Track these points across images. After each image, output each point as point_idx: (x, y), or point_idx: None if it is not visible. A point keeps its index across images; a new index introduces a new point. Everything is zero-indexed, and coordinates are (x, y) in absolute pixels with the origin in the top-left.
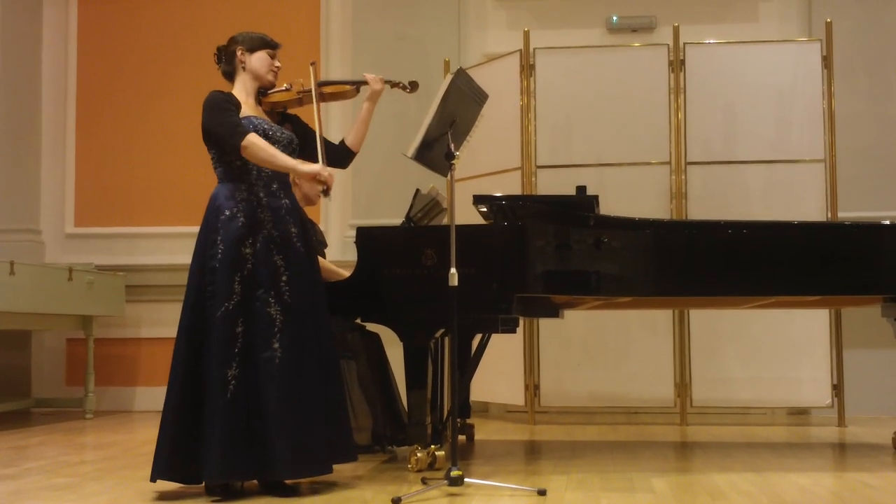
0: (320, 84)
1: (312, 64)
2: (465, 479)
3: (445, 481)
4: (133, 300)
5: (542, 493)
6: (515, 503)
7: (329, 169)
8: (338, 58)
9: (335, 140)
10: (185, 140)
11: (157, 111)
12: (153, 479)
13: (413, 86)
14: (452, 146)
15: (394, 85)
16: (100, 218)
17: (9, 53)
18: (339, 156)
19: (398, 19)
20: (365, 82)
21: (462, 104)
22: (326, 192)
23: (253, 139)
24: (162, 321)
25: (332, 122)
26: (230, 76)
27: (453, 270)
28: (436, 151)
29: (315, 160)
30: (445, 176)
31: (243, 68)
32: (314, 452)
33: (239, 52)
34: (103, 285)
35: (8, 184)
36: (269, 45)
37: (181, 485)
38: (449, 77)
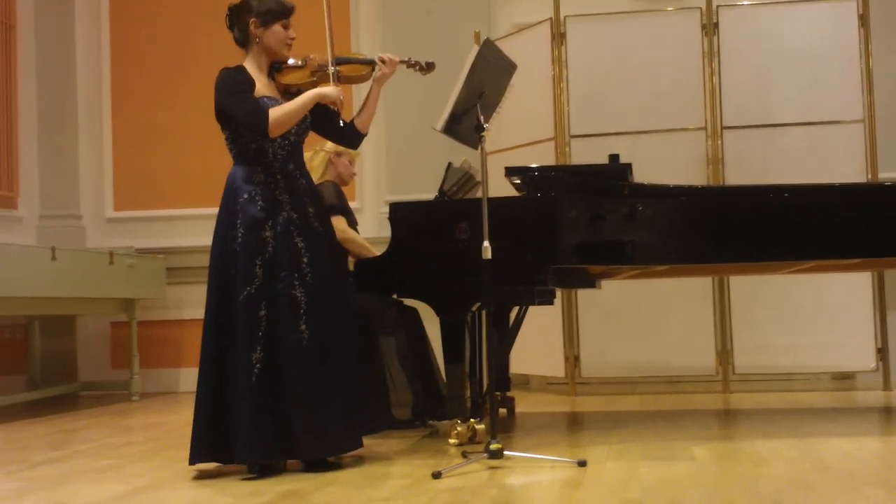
0: (338, 61)
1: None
2: (505, 452)
3: (485, 454)
4: (174, 282)
5: (582, 464)
6: (556, 475)
7: (338, 89)
8: (367, 33)
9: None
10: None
11: (191, 93)
12: (192, 462)
13: (429, 66)
14: (482, 118)
15: (410, 65)
16: (138, 201)
17: (43, 42)
18: (349, 137)
19: None
20: (380, 61)
21: (490, 75)
22: (338, 114)
23: (274, 117)
24: (203, 302)
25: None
26: (243, 45)
27: (486, 244)
28: (465, 124)
29: (336, 135)
30: (476, 148)
31: (257, 42)
32: (342, 429)
33: (252, 25)
34: (144, 268)
35: (48, 171)
36: (284, 13)
37: (219, 464)
38: (475, 48)
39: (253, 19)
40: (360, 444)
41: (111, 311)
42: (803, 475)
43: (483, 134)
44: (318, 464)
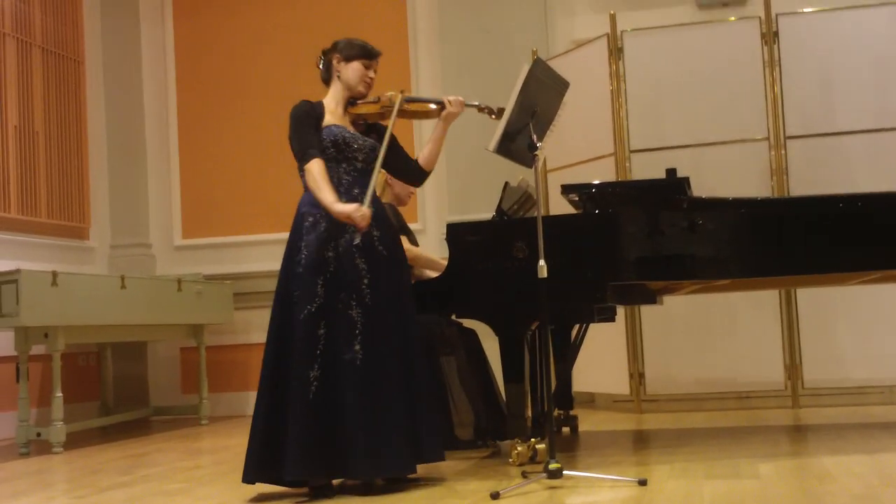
0: (407, 100)
1: (402, 92)
2: (565, 472)
3: (544, 474)
4: (242, 307)
5: (642, 483)
6: (615, 494)
7: (364, 210)
8: (426, 55)
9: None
10: (284, 147)
11: (255, 120)
12: (245, 481)
13: (500, 112)
14: (535, 137)
15: (480, 110)
16: (206, 229)
17: (110, 76)
18: (413, 174)
19: (483, 12)
20: (446, 103)
21: (542, 94)
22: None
23: (311, 167)
24: None
25: (422, 136)
26: (327, 82)
27: (542, 262)
28: (518, 143)
29: (399, 169)
30: (530, 167)
31: (338, 77)
32: (396, 451)
33: (335, 60)
34: (212, 294)
35: (118, 201)
36: (366, 54)
37: (278, 486)
38: (526, 67)
39: (336, 56)
40: (413, 470)
41: (180, 336)
42: (870, 491)
43: (536, 153)
44: (373, 486)
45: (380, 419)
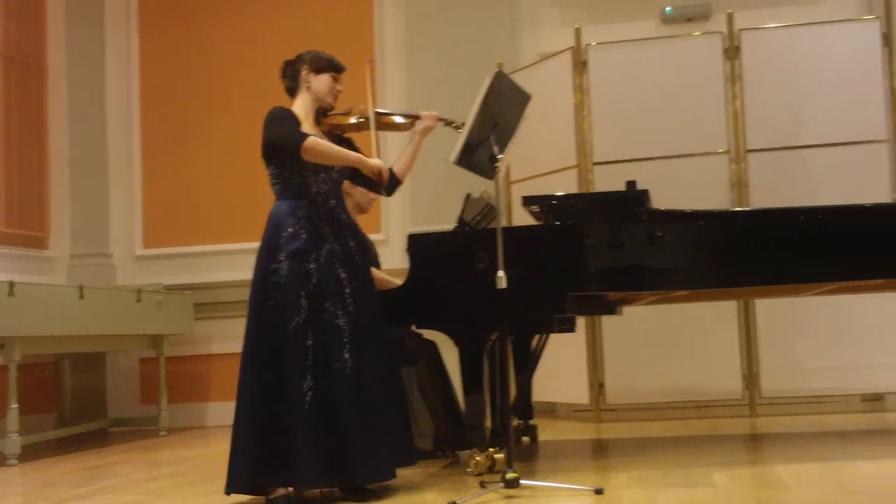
0: (378, 114)
1: (369, 60)
2: (522, 481)
3: (502, 484)
4: (203, 317)
5: (599, 491)
6: (572, 503)
7: (381, 163)
8: (393, 66)
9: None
10: (246, 158)
11: (218, 131)
12: (228, 492)
13: (464, 126)
14: (496, 149)
15: (447, 124)
16: (168, 239)
17: (74, 83)
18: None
19: (452, 24)
20: (416, 116)
21: (504, 106)
22: (381, 188)
23: (313, 140)
24: (231, 336)
25: (389, 148)
26: (292, 92)
27: (501, 273)
28: (480, 155)
29: (373, 182)
30: (492, 179)
31: (307, 88)
32: (382, 458)
33: (304, 71)
34: (172, 304)
35: (79, 211)
36: (334, 68)
37: (250, 496)
38: (487, 80)
39: (305, 66)
40: (394, 475)
41: (140, 347)
42: (824, 500)
43: (497, 164)
44: (357, 491)
45: (372, 426)
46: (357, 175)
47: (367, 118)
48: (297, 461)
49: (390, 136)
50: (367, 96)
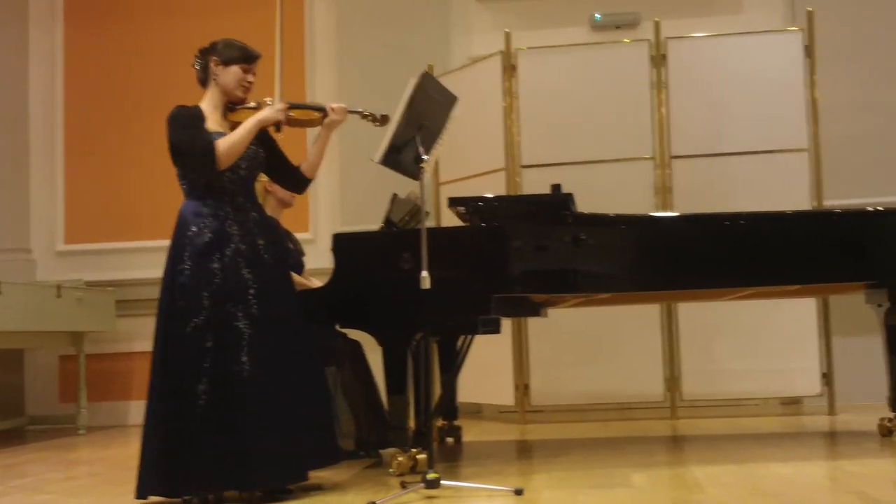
0: (291, 106)
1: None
2: (443, 482)
3: (422, 484)
4: (125, 315)
5: (518, 492)
6: None
7: (278, 104)
8: (324, 69)
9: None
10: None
11: (143, 127)
12: (139, 496)
13: (384, 119)
14: (422, 149)
15: (364, 116)
16: (90, 235)
17: None
18: (295, 180)
19: (384, 26)
20: (326, 109)
21: (430, 107)
22: (279, 129)
23: (220, 149)
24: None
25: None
26: (203, 83)
27: (424, 273)
28: (406, 155)
29: (282, 176)
30: (417, 179)
31: (215, 80)
32: (289, 460)
33: (213, 63)
34: (93, 301)
35: None
36: (245, 58)
37: (165, 499)
38: (413, 80)
39: (214, 58)
40: (305, 477)
41: (59, 344)
42: (736, 501)
43: (423, 165)
44: (274, 492)
45: (275, 428)
46: (272, 171)
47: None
48: (190, 466)
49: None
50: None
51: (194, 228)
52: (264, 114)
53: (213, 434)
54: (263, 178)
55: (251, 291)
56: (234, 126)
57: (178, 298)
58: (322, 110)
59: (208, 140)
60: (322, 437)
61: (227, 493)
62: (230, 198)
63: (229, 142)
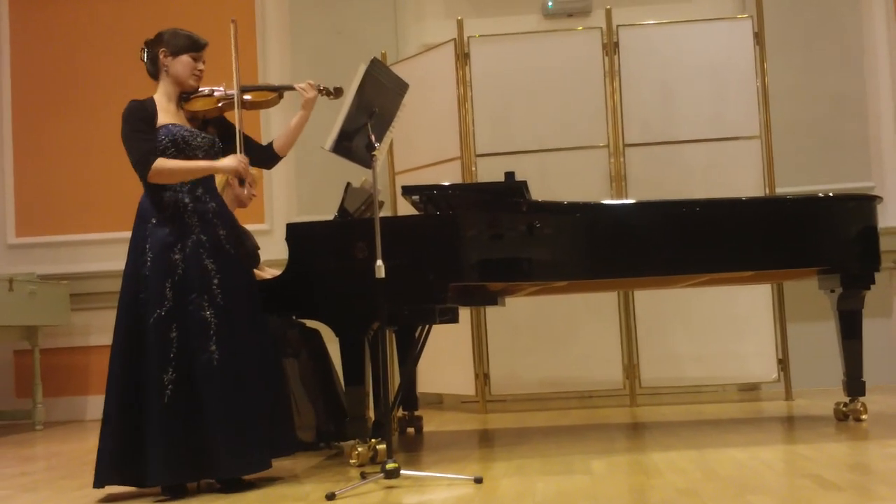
0: (243, 90)
1: (233, 21)
2: (403, 471)
3: (382, 474)
4: (80, 308)
5: (478, 480)
6: (451, 492)
7: (240, 156)
8: (276, 54)
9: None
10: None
11: (94, 116)
12: (97, 486)
13: (337, 91)
14: (373, 137)
15: (319, 91)
16: (42, 227)
17: None
18: (265, 157)
19: (336, 13)
20: (290, 88)
21: (381, 95)
22: (242, 183)
23: (158, 167)
24: (110, 328)
25: (273, 124)
26: (154, 76)
27: (379, 262)
28: (357, 143)
29: (251, 155)
30: (369, 167)
31: (166, 72)
32: (253, 450)
33: (162, 55)
34: (46, 295)
35: None
36: (194, 47)
37: (123, 487)
38: (363, 67)
39: (163, 49)
40: (269, 465)
41: (13, 338)
42: (693, 485)
43: (375, 153)
44: (235, 484)
45: (240, 418)
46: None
47: (230, 99)
48: (151, 455)
49: (274, 111)
50: (231, 64)
51: (154, 220)
52: (223, 164)
53: (179, 422)
54: None
55: (215, 282)
56: (190, 115)
57: (140, 290)
58: (278, 90)
59: (147, 150)
60: (280, 428)
61: (191, 485)
62: (189, 189)
63: (172, 168)
